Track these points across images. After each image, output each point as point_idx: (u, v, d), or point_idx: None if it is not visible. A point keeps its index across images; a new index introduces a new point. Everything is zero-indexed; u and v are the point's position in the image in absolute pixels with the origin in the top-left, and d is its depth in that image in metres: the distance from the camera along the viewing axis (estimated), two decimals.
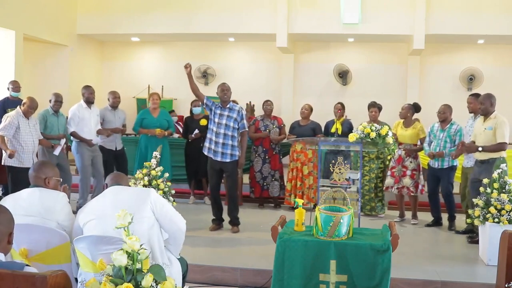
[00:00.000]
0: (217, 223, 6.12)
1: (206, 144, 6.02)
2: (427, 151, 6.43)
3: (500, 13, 9.82)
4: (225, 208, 6.27)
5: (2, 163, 6.16)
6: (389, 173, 6.76)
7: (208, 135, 6.03)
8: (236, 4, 10.64)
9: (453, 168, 6.32)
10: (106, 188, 3.06)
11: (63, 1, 10.77)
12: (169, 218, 2.90)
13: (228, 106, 5.99)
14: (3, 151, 6.10)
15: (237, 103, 6.79)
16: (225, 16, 10.63)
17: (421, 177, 6.69)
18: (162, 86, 11.88)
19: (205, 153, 6.05)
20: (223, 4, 10.69)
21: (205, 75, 11.99)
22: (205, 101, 5.99)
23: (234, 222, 6.08)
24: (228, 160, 5.95)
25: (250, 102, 10.41)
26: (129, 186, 3.17)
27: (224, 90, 5.99)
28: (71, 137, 6.85)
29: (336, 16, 10.25)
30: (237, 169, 6.11)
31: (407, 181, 6.59)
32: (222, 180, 6.61)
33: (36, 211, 2.94)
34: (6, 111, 7.46)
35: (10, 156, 5.93)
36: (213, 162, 6.00)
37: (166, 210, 2.90)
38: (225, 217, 6.18)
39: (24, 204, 2.96)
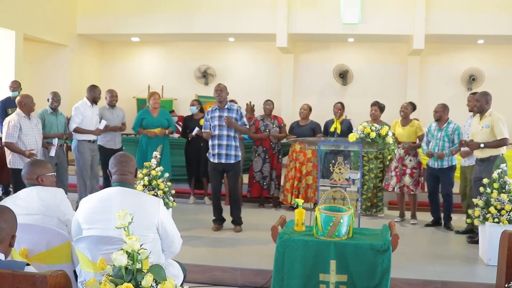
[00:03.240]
0: (219, 223, 6.15)
1: (211, 151, 5.98)
2: (425, 150, 6.42)
3: (500, 13, 9.81)
4: (225, 208, 6.28)
5: (9, 166, 6.16)
6: (393, 173, 6.74)
7: (211, 142, 5.99)
8: (236, 4, 10.62)
9: (452, 168, 6.32)
10: (110, 177, 2.94)
11: (63, 1, 10.76)
12: (170, 240, 2.89)
13: (226, 106, 5.97)
14: (10, 154, 6.08)
15: (236, 103, 6.78)
16: (225, 16, 10.62)
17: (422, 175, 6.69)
18: (162, 86, 11.87)
19: (211, 159, 6.01)
20: (223, 4, 10.67)
21: (205, 75, 11.97)
22: (206, 119, 6.07)
23: (237, 221, 6.10)
24: (232, 161, 5.95)
25: (250, 102, 10.39)
26: (136, 168, 3.04)
27: (218, 90, 5.95)
28: (73, 136, 6.85)
29: (336, 16, 10.24)
30: (240, 169, 6.10)
31: (407, 179, 6.60)
32: (222, 181, 6.61)
33: (36, 209, 2.98)
34: (6, 111, 7.50)
35: (31, 155, 5.94)
36: (216, 164, 5.98)
37: (170, 233, 2.88)
38: (226, 216, 6.19)
39: (23, 203, 2.99)
